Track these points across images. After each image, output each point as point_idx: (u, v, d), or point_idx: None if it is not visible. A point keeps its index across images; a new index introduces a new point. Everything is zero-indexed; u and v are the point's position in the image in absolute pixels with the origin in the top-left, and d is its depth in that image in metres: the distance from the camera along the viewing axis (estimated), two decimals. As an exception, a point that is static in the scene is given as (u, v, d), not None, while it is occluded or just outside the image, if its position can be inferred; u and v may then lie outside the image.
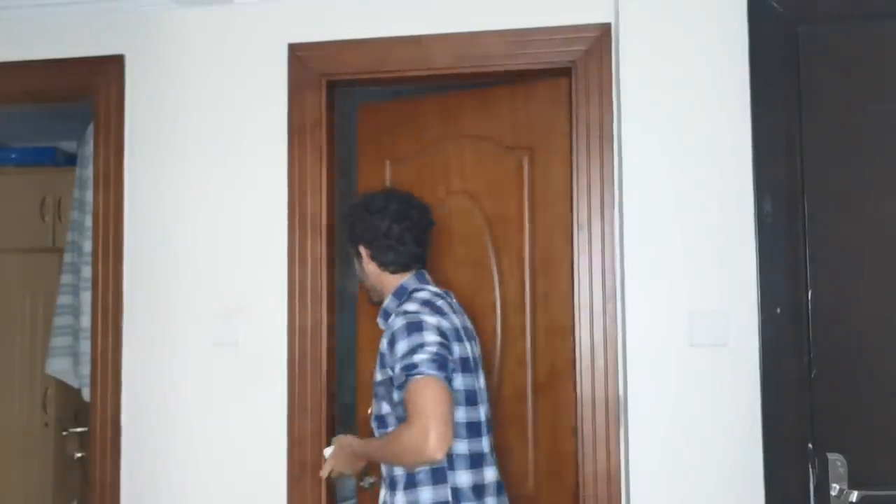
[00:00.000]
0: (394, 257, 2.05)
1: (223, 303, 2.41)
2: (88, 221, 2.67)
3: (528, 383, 2.40)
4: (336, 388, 2.45)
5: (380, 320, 2.07)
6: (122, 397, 2.44)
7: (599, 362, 2.23)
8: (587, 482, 2.20)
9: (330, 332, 2.41)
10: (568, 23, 2.29)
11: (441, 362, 1.83)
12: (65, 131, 3.68)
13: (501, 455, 2.09)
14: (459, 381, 1.90)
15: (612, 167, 2.24)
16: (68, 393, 3.32)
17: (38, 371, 3.48)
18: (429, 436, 1.73)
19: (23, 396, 3.69)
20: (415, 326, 1.87)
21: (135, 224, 2.48)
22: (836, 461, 1.89)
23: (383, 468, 1.98)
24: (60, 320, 2.98)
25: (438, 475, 1.88)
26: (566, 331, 2.36)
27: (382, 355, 1.94)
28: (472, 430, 1.92)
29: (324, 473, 2.05)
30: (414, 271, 2.07)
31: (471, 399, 1.94)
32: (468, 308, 2.16)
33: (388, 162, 2.58)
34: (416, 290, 2.02)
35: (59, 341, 2.99)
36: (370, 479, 2.09)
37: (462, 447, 1.90)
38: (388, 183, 2.55)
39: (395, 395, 1.87)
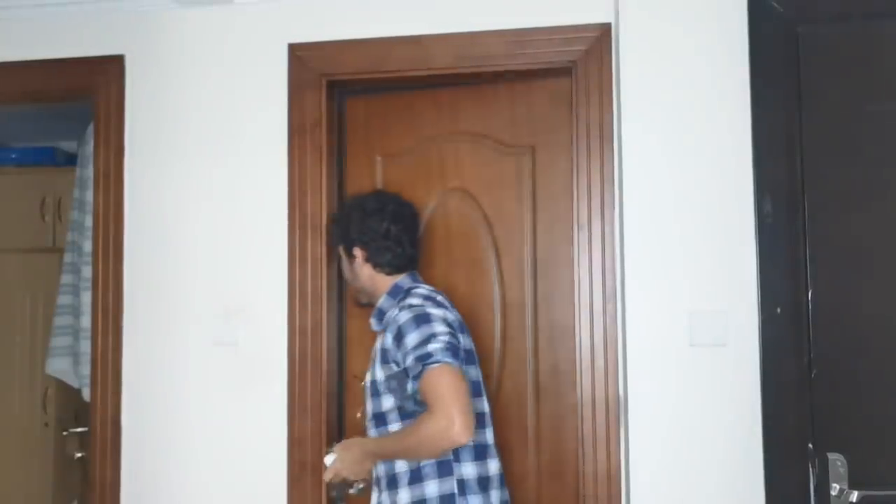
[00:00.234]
0: (391, 259, 2.06)
1: (223, 303, 2.41)
2: (88, 221, 2.67)
3: (528, 383, 2.40)
4: (336, 388, 2.45)
5: (373, 321, 2.07)
6: (122, 397, 2.44)
7: (599, 362, 2.23)
8: (587, 482, 2.20)
9: (330, 332, 2.41)
10: (568, 23, 2.29)
11: (454, 351, 1.86)
12: (65, 131, 3.67)
13: (503, 455, 2.09)
14: (467, 371, 1.92)
15: (612, 167, 2.24)
16: (68, 393, 3.32)
17: (39, 371, 3.48)
18: (454, 421, 1.75)
19: (23, 396, 3.70)
20: (423, 318, 1.89)
21: (135, 224, 2.48)
22: (836, 461, 1.89)
23: (381, 468, 1.97)
24: (60, 320, 2.98)
25: (444, 468, 1.89)
26: (566, 331, 2.36)
27: (384, 351, 1.94)
28: (478, 421, 1.92)
29: (326, 477, 2.00)
30: (407, 272, 2.09)
31: (476, 390, 1.96)
32: (468, 308, 2.17)
33: (378, 157, 2.53)
34: (412, 287, 2.04)
35: (60, 341, 2.99)
36: (359, 485, 2.01)
37: None
38: (379, 178, 2.50)
39: (410, 387, 1.87)
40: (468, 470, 1.91)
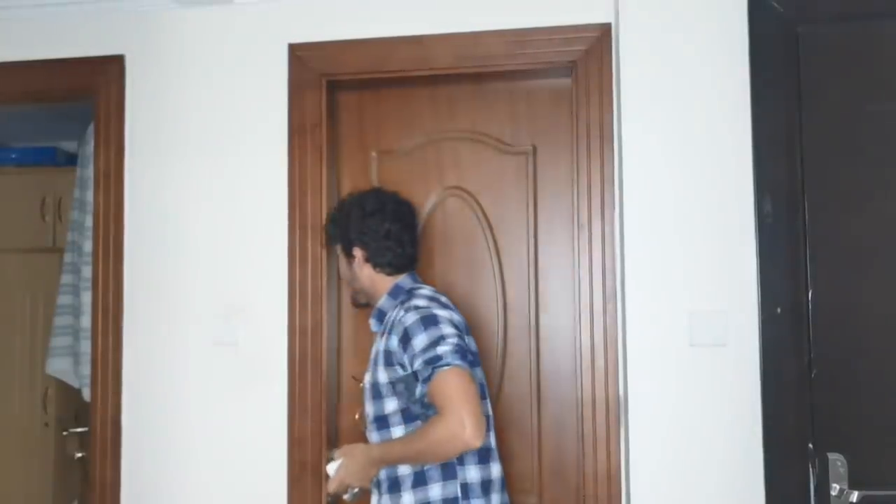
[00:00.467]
0: (391, 259, 2.03)
1: (223, 303, 2.41)
2: (89, 221, 2.67)
3: (528, 383, 2.40)
4: (335, 388, 2.45)
5: (372, 321, 2.05)
6: (123, 397, 2.44)
7: (599, 362, 2.23)
8: (587, 482, 2.20)
9: (330, 332, 2.41)
10: (568, 23, 2.29)
11: (463, 353, 1.84)
12: (65, 131, 3.68)
13: (503, 455, 2.08)
14: (473, 374, 1.89)
15: (613, 167, 2.24)
16: (68, 393, 3.32)
17: (39, 371, 3.49)
18: (465, 424, 1.73)
19: (23, 396, 3.70)
20: (430, 320, 1.87)
21: (135, 224, 2.48)
22: (836, 461, 1.89)
23: (382, 471, 1.93)
24: (61, 320, 2.98)
25: (448, 471, 1.87)
26: (566, 331, 2.36)
27: (388, 353, 1.91)
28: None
29: (331, 488, 1.96)
30: (407, 272, 2.06)
31: (481, 393, 1.93)
32: (468, 308, 2.16)
33: (374, 154, 2.51)
34: (414, 288, 2.01)
35: (60, 341, 2.99)
36: (354, 490, 1.96)
37: None
38: (375, 176, 2.49)
39: (419, 391, 1.84)
40: (472, 474, 1.88)
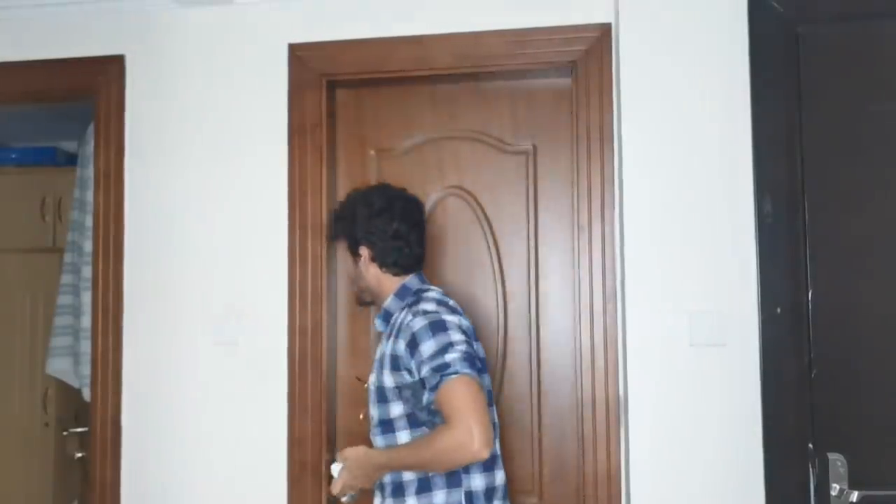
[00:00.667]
0: (398, 258, 1.99)
1: (223, 303, 2.41)
2: (89, 221, 2.67)
3: (529, 383, 2.40)
4: (335, 388, 2.45)
5: (378, 321, 2.02)
6: (123, 397, 2.44)
7: (599, 362, 2.23)
8: (587, 482, 2.20)
9: (330, 332, 2.41)
10: (568, 23, 2.29)
11: (471, 361, 1.80)
12: (65, 131, 3.68)
13: (504, 456, 2.08)
14: (481, 380, 1.85)
15: (613, 167, 2.24)
16: (68, 393, 3.32)
17: (39, 371, 3.49)
18: (474, 434, 1.69)
19: (23, 396, 3.70)
20: (439, 326, 1.82)
21: (135, 224, 2.48)
22: (836, 461, 1.89)
23: (386, 475, 1.90)
24: (61, 320, 2.98)
25: (454, 478, 1.84)
26: (566, 331, 2.36)
27: (395, 358, 1.87)
28: None
29: (335, 490, 1.93)
30: (414, 272, 2.02)
31: (488, 399, 1.89)
32: (468, 309, 2.16)
33: (372, 152, 2.51)
34: (422, 289, 1.98)
35: (60, 341, 2.99)
36: (352, 493, 1.93)
37: None
38: (373, 174, 2.48)
39: (426, 398, 1.80)
40: (477, 482, 1.86)
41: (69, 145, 3.96)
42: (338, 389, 2.46)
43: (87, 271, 2.70)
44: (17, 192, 3.78)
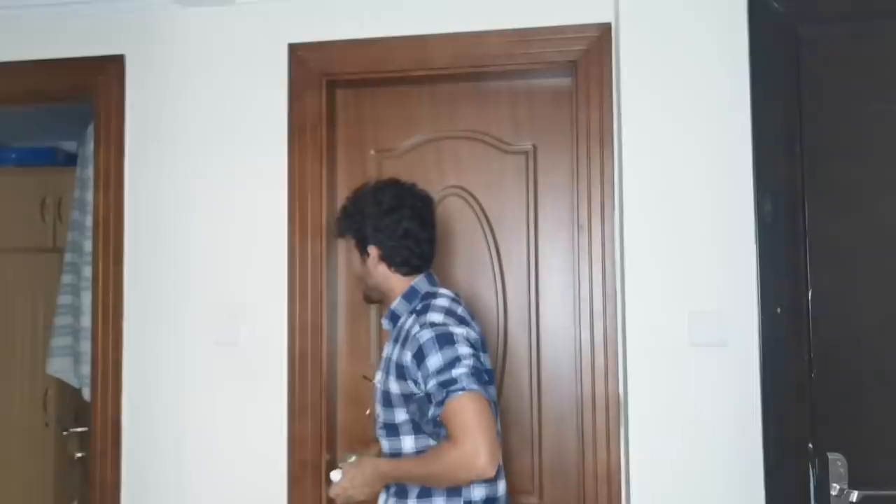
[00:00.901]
0: (408, 258, 1.95)
1: (223, 303, 2.41)
2: (89, 221, 2.67)
3: (529, 383, 2.40)
4: (335, 388, 2.45)
5: (385, 321, 2.00)
6: (123, 397, 2.45)
7: (599, 362, 2.23)
8: (587, 482, 2.20)
9: (330, 332, 2.40)
10: (568, 22, 2.29)
11: (478, 376, 1.77)
12: (65, 131, 3.68)
13: (504, 456, 2.08)
14: (487, 393, 1.82)
15: (613, 167, 2.24)
16: (68, 393, 3.32)
17: (39, 371, 3.48)
18: (480, 453, 1.68)
19: (23, 396, 3.70)
20: (446, 339, 1.78)
21: (135, 224, 2.48)
22: (836, 461, 1.89)
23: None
24: (61, 320, 2.98)
25: (454, 488, 1.83)
26: (566, 331, 2.36)
27: (401, 367, 1.84)
28: None
29: (333, 494, 1.91)
30: (423, 272, 1.99)
31: (494, 411, 1.86)
32: (470, 308, 2.15)
33: (374, 153, 2.51)
34: (430, 293, 1.94)
35: (60, 341, 2.99)
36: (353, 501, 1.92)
37: None
38: (373, 174, 2.47)
39: (431, 412, 1.77)
40: (477, 492, 1.85)
41: (69, 145, 3.96)
42: (338, 389, 2.46)
43: (87, 271, 2.70)
44: (17, 192, 3.78)
